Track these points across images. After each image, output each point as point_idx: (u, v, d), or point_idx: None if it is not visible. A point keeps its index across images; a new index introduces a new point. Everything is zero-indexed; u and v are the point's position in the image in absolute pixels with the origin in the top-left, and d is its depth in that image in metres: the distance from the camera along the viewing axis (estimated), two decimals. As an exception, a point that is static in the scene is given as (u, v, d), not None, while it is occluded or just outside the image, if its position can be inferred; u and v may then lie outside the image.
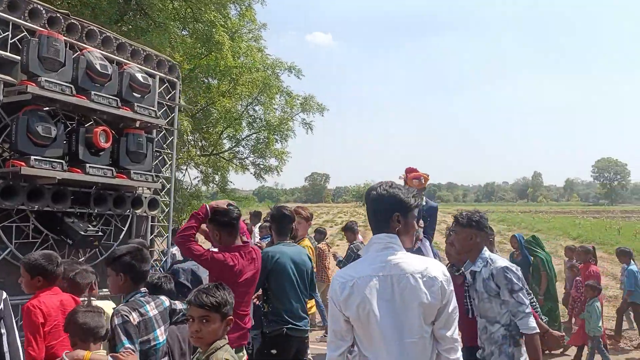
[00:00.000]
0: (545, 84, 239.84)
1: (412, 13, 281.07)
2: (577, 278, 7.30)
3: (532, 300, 3.80)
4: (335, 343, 2.08)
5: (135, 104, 4.96)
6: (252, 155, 21.81)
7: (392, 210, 2.12)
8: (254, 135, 21.49)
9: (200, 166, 20.84)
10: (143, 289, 2.84)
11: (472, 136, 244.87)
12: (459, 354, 2.10)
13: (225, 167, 21.77)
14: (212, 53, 17.13)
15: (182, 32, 17.34)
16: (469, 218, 3.12)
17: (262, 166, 21.68)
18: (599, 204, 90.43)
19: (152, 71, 5.48)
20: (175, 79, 5.83)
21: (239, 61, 18.24)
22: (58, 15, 4.59)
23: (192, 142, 20.00)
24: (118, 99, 4.81)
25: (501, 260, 3.10)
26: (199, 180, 21.77)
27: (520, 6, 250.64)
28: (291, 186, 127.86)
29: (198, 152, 19.84)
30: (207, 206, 3.12)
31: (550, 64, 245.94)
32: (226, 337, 2.33)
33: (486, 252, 3.15)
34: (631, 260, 7.50)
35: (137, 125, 5.13)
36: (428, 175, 5.35)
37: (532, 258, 6.79)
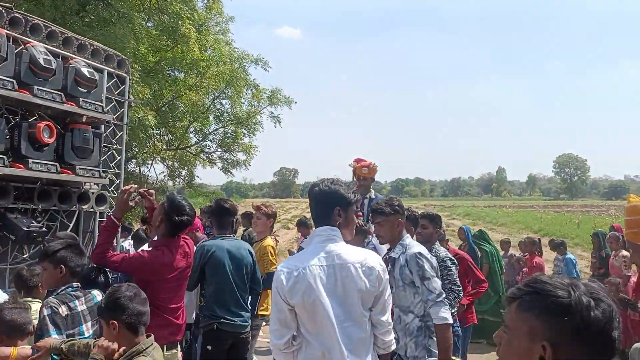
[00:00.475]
0: (508, 82, 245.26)
1: (381, 10, 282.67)
2: (524, 269, 7.61)
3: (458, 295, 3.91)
4: (280, 331, 2.17)
5: (81, 99, 4.90)
6: (220, 150, 21.66)
7: (334, 204, 2.26)
8: (221, 129, 21.34)
9: (166, 161, 20.57)
10: (75, 283, 2.84)
11: (440, 132, 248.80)
12: (393, 334, 2.33)
13: (192, 162, 21.55)
14: (178, 45, 16.90)
15: (147, 24, 17.04)
16: (391, 205, 3.05)
17: (229, 161, 21.55)
18: (560, 198, 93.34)
19: (100, 65, 5.41)
20: (124, 74, 5.77)
21: (205, 54, 18.04)
22: (0, 8, 4.51)
23: (158, 136, 19.73)
24: (62, 94, 4.74)
25: (417, 247, 3.04)
26: (165, 175, 21.53)
27: (485, 6, 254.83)
28: (260, 181, 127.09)
29: (164, 147, 19.58)
30: (112, 216, 3.03)
31: (513, 63, 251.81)
32: (149, 338, 2.29)
33: (407, 238, 3.09)
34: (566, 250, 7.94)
35: (84, 120, 5.08)
36: (376, 166, 5.34)
37: (479, 253, 7.01)
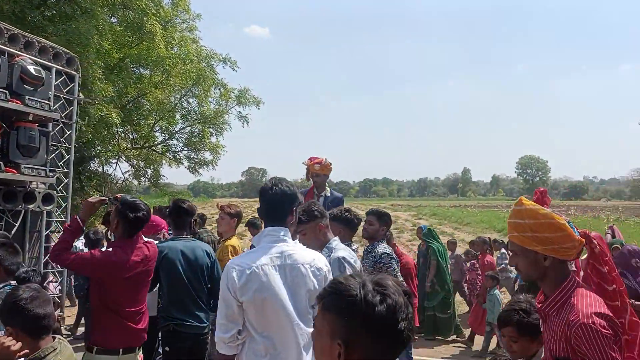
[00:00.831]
0: (473, 84, 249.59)
1: (351, 10, 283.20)
2: (472, 261, 7.81)
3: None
4: (226, 326, 2.20)
5: (27, 97, 4.79)
6: (186, 149, 21.37)
7: (292, 205, 2.31)
8: (188, 128, 21.04)
9: (131, 159, 20.16)
10: (13, 282, 2.81)
11: (407, 133, 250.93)
12: None
13: (158, 161, 21.18)
14: (144, 42, 16.58)
15: (111, 20, 16.73)
16: (308, 211, 2.98)
17: (196, 160, 21.25)
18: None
19: (48, 63, 5.29)
20: (74, 72, 5.66)
21: (172, 52, 17.77)
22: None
23: (122, 135, 19.37)
24: (7, 92, 4.63)
25: (342, 251, 2.99)
26: (130, 174, 21.11)
27: (453, 9, 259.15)
28: (227, 181, 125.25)
29: (128, 145, 19.22)
30: (78, 218, 2.96)
31: (479, 66, 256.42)
32: (53, 342, 2.16)
33: (334, 241, 3.03)
34: None
35: (30, 119, 4.99)
36: (329, 162, 5.30)
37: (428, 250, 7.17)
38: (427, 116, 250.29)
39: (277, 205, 2.30)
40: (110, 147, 17.61)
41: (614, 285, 1.84)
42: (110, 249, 2.97)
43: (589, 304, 1.69)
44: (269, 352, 2.18)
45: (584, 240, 1.81)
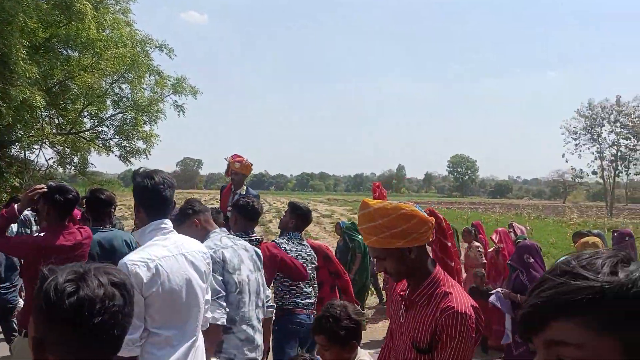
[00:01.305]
0: (407, 81, 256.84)
1: (290, 1, 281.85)
2: None
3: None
4: (134, 325, 2.12)
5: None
6: (118, 137, 20.48)
7: (173, 196, 2.38)
8: (120, 115, 20.14)
9: (56, 145, 19.02)
10: None
11: (344, 127, 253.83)
12: (211, 314, 2.64)
13: (86, 148, 20.11)
14: (73, 22, 15.72)
15: (38, -4, 15.70)
16: (181, 211, 3.01)
17: (128, 148, 20.40)
18: (453, 196, 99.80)
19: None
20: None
21: (103, 34, 16.94)
22: None
23: (47, 119, 18.23)
24: None
25: (209, 241, 2.94)
26: (54, 161, 19.94)
27: (388, 3, 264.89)
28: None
29: (53, 130, 18.09)
30: (16, 208, 2.99)
31: (412, 62, 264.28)
32: None
33: (212, 234, 3.03)
34: None
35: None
36: (250, 163, 5.47)
37: (351, 244, 7.19)
38: (364, 112, 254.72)
39: (164, 198, 2.30)
40: (33, 132, 16.55)
41: (453, 263, 1.89)
42: (42, 234, 3.05)
43: (463, 294, 1.73)
44: (170, 340, 2.19)
45: (434, 218, 1.82)
